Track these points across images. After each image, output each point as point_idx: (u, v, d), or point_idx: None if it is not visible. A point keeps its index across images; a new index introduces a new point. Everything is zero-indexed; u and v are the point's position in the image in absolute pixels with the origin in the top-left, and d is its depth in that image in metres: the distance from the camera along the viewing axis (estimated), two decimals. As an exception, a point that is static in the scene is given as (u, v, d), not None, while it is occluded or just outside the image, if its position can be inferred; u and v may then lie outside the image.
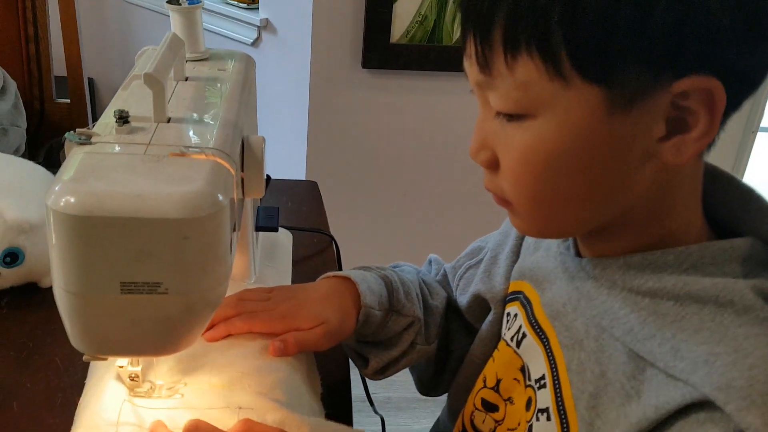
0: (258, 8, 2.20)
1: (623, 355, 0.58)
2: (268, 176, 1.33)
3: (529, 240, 0.78)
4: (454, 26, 2.02)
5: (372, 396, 1.00)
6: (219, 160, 0.61)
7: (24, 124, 1.50)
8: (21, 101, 1.50)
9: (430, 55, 2.04)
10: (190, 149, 0.61)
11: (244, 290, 0.78)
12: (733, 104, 0.54)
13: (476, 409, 0.77)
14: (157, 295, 0.56)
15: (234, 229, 0.62)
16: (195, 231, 0.55)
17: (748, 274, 0.56)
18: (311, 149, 2.17)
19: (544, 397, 0.65)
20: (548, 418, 0.64)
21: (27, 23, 1.64)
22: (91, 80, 2.72)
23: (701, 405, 0.51)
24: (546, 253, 0.72)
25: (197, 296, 0.58)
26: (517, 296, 0.75)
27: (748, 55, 0.51)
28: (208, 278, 0.58)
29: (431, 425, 0.96)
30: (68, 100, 1.68)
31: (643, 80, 0.51)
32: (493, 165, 0.59)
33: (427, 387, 0.92)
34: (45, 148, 1.65)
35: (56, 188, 0.54)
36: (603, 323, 0.60)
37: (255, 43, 2.23)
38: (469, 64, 0.58)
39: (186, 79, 0.77)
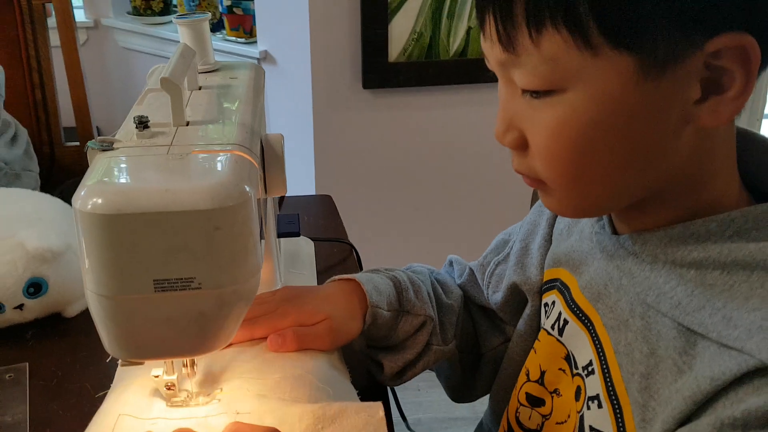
0: (256, 41, 2.23)
1: (672, 330, 0.55)
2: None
3: (560, 226, 0.76)
4: (450, 40, 2.04)
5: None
6: (242, 154, 0.61)
7: (36, 169, 1.51)
8: (32, 147, 1.51)
9: (428, 71, 2.06)
10: (213, 146, 0.61)
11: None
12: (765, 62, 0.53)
13: (521, 405, 0.75)
14: (191, 291, 0.56)
15: (261, 223, 0.62)
16: (225, 221, 0.55)
17: None
18: (319, 173, 2.17)
19: (594, 384, 0.63)
20: (599, 406, 0.61)
21: (32, 71, 1.66)
22: (98, 128, 2.73)
23: (758, 372, 0.49)
24: (580, 236, 0.70)
25: (230, 290, 0.57)
26: (554, 284, 0.73)
27: None
28: (240, 270, 0.57)
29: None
30: (77, 143, 1.69)
31: (674, 43, 0.50)
32: (522, 145, 0.58)
33: (457, 392, 0.90)
34: (58, 190, 1.65)
35: (82, 192, 0.54)
36: (648, 300, 0.58)
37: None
38: (490, 45, 0.56)
39: (200, 88, 0.77)
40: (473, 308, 0.89)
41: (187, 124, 0.66)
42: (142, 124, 0.63)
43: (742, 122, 0.60)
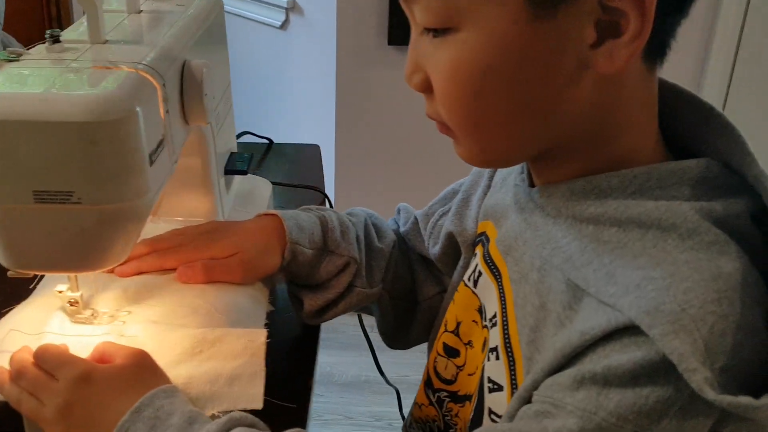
0: (285, -10, 2.21)
1: (561, 284, 0.53)
2: (269, 140, 1.33)
3: (497, 178, 0.73)
4: None
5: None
6: (143, 74, 0.60)
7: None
8: None
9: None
10: (115, 63, 0.60)
11: (170, 230, 0.76)
12: (675, 5, 0.50)
13: (439, 355, 0.74)
14: (70, 205, 0.55)
15: (159, 146, 0.61)
16: (103, 136, 0.54)
17: (699, 197, 0.51)
18: (339, 127, 2.16)
19: (495, 336, 0.62)
20: (497, 357, 0.60)
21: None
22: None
23: (627, 330, 0.47)
24: (506, 188, 0.68)
25: (112, 208, 0.57)
26: (481, 238, 0.71)
27: None
28: (122, 188, 0.57)
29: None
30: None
31: None
32: (428, 88, 0.56)
33: (390, 338, 0.88)
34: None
35: None
36: (544, 253, 0.56)
37: (283, 25, 2.24)
38: None
39: (140, 12, 0.76)
40: (413, 256, 0.87)
41: (105, 42, 0.65)
42: (53, 38, 0.62)
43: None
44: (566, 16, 0.48)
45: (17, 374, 0.60)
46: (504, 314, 0.61)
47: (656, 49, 0.52)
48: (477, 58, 0.51)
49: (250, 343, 0.64)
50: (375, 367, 0.98)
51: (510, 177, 0.67)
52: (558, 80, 0.51)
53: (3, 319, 0.68)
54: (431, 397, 0.75)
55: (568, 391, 0.48)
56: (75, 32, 0.67)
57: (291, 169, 1.23)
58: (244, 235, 0.75)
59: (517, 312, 0.59)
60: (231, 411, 0.60)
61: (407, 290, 0.85)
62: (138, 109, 0.56)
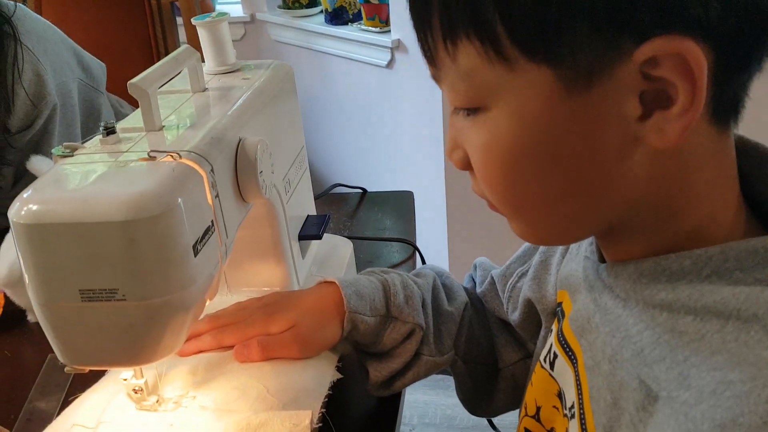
0: (390, 30, 2.22)
1: (635, 380, 0.47)
2: (363, 189, 1.31)
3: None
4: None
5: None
6: (187, 161, 0.59)
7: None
8: None
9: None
10: (160, 153, 0.60)
11: (232, 304, 0.75)
12: (739, 65, 0.43)
13: None
14: (116, 302, 0.55)
15: (207, 233, 0.60)
16: (142, 233, 0.54)
17: None
18: (449, 168, 2.12)
19: (574, 430, 0.55)
20: None
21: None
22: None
23: None
24: (579, 257, 0.62)
25: (158, 302, 0.56)
26: (559, 309, 0.65)
27: (718, 4, 0.40)
28: (166, 282, 0.56)
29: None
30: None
31: (595, 51, 0.42)
32: (469, 165, 0.52)
33: (471, 405, 0.83)
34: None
35: (17, 202, 0.55)
36: (614, 342, 0.50)
37: (389, 64, 2.24)
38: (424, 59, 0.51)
39: (205, 90, 0.76)
40: (491, 318, 0.81)
41: (160, 129, 0.65)
42: (107, 130, 0.63)
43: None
44: (603, 89, 0.43)
45: None
46: (581, 406, 0.54)
47: (726, 109, 0.45)
48: (509, 139, 0.46)
49: (294, 428, 0.62)
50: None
51: (583, 246, 0.61)
52: (603, 158, 0.45)
53: (67, 409, 0.69)
54: (522, 481, 0.69)
55: None
56: (134, 119, 0.68)
57: (383, 218, 1.21)
58: (301, 308, 0.72)
59: (593, 405, 0.52)
60: None
61: (484, 354, 0.80)
62: (179, 201, 0.55)
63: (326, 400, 0.67)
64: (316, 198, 1.01)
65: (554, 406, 0.62)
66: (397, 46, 2.18)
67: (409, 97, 2.21)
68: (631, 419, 0.46)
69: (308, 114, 2.70)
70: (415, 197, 1.28)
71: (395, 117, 2.32)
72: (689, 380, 0.42)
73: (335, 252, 0.95)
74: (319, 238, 0.86)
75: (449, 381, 0.83)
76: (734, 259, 0.45)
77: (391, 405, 0.79)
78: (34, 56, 1.15)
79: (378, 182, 2.46)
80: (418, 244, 1.11)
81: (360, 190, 1.30)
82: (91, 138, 0.65)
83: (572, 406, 0.56)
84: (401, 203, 1.26)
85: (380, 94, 2.35)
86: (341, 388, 0.80)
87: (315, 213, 0.94)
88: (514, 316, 0.76)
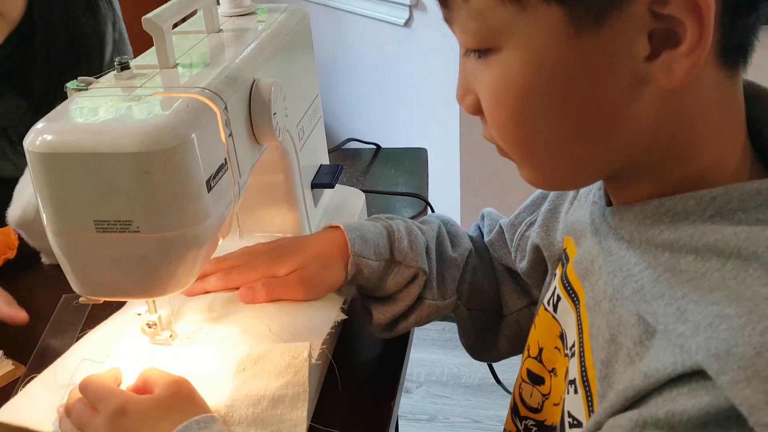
0: (409, -14, 2.19)
1: (633, 316, 0.48)
2: (377, 145, 1.31)
3: (585, 189, 0.68)
4: None
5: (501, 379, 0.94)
6: (200, 98, 0.59)
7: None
8: None
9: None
10: (174, 89, 0.60)
11: (241, 248, 0.76)
12: (747, 4, 0.44)
13: (523, 381, 0.69)
14: (130, 234, 0.56)
15: (220, 170, 0.60)
16: (156, 165, 0.54)
17: None
18: (464, 125, 2.12)
19: (573, 367, 0.57)
20: (576, 391, 0.56)
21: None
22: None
23: (696, 374, 0.41)
24: (587, 203, 0.62)
25: (171, 235, 0.57)
26: (564, 253, 0.66)
27: None
28: (180, 216, 0.56)
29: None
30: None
31: None
32: (480, 110, 0.52)
33: (474, 350, 0.83)
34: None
35: (32, 132, 0.55)
36: (616, 281, 0.51)
37: (407, 23, 2.22)
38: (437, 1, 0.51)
39: (219, 32, 0.76)
40: (497, 267, 0.82)
41: (174, 67, 0.65)
42: (122, 65, 0.63)
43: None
44: (613, 28, 0.43)
45: (68, 409, 0.62)
46: (581, 345, 0.56)
47: (734, 52, 0.46)
48: (520, 79, 0.46)
49: (293, 360, 0.62)
50: (505, 369, 0.93)
51: (591, 192, 0.62)
52: (612, 98, 0.45)
53: (76, 344, 0.71)
54: (518, 425, 0.70)
55: None
56: (149, 56, 0.68)
57: (396, 174, 1.21)
58: (306, 251, 0.73)
59: (592, 343, 0.53)
60: None
61: (488, 301, 0.81)
62: (193, 136, 0.55)
63: (328, 337, 0.68)
64: (330, 151, 1.01)
65: (556, 347, 0.64)
66: (416, 4, 2.15)
67: (427, 57, 2.19)
68: (629, 353, 0.47)
69: (324, 71, 2.69)
70: (429, 155, 1.28)
71: (412, 76, 2.31)
72: (686, 314, 0.43)
73: (347, 202, 0.95)
74: (332, 186, 0.86)
75: (456, 341, 0.84)
76: (738, 199, 0.45)
77: (398, 351, 0.80)
78: (117, 13, 1.21)
79: (393, 140, 2.46)
80: (431, 201, 1.11)
81: (374, 146, 1.30)
82: (106, 73, 0.65)
83: (573, 345, 0.58)
84: (414, 160, 1.26)
85: (397, 53, 2.33)
86: (349, 334, 0.81)
87: (327, 163, 0.94)
88: (522, 265, 0.76)
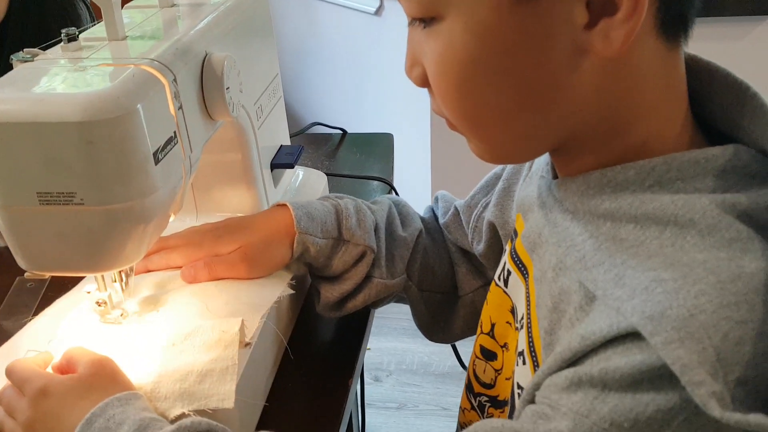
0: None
1: (575, 284, 0.49)
2: (343, 130, 1.30)
3: (535, 165, 0.68)
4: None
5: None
6: (148, 69, 0.58)
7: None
8: None
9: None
10: (122, 60, 0.59)
11: (187, 228, 0.75)
12: None
13: (477, 357, 0.69)
14: (74, 206, 0.55)
15: (169, 143, 0.59)
16: (99, 136, 0.53)
17: (725, 189, 0.45)
18: (435, 118, 2.11)
19: (522, 339, 0.58)
20: (524, 362, 0.56)
21: None
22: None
23: (630, 336, 0.42)
24: (534, 179, 0.63)
25: (117, 208, 0.55)
26: (514, 230, 0.66)
27: None
28: (125, 188, 0.55)
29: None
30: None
31: None
32: (427, 82, 0.52)
33: (428, 331, 0.83)
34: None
35: None
36: (559, 252, 0.52)
37: (378, 11, 2.21)
38: None
39: (173, 6, 0.75)
40: (452, 248, 0.82)
41: (123, 39, 0.64)
42: (69, 37, 0.62)
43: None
44: None
45: (0, 395, 0.61)
46: (529, 316, 0.56)
47: (674, 23, 0.46)
48: (463, 49, 0.47)
49: (223, 335, 0.62)
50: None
51: (541, 168, 0.62)
52: (552, 68, 0.46)
53: (24, 328, 0.69)
54: (473, 401, 0.70)
55: (564, 393, 0.44)
56: (98, 29, 0.67)
57: (362, 159, 1.20)
58: (251, 229, 0.72)
59: (538, 313, 0.54)
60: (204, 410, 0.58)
61: (440, 282, 0.81)
62: (139, 106, 0.54)
63: (271, 311, 0.68)
64: (294, 135, 1.00)
65: (507, 322, 0.64)
66: (386, -8, 2.15)
67: (397, 45, 2.19)
68: (570, 319, 0.48)
69: (295, 59, 2.67)
70: (399, 143, 1.27)
71: (383, 64, 2.30)
72: (624, 279, 0.44)
73: (309, 184, 0.95)
74: (292, 167, 0.85)
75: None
76: (676, 169, 0.46)
77: (358, 330, 0.80)
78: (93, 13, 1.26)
79: (364, 128, 2.44)
80: (402, 187, 1.10)
81: (340, 131, 1.29)
82: (53, 44, 0.64)
83: (522, 318, 0.58)
84: (380, 145, 1.26)
85: (368, 41, 2.33)
86: (309, 315, 0.80)
87: (287, 144, 0.93)
88: (479, 247, 0.76)
